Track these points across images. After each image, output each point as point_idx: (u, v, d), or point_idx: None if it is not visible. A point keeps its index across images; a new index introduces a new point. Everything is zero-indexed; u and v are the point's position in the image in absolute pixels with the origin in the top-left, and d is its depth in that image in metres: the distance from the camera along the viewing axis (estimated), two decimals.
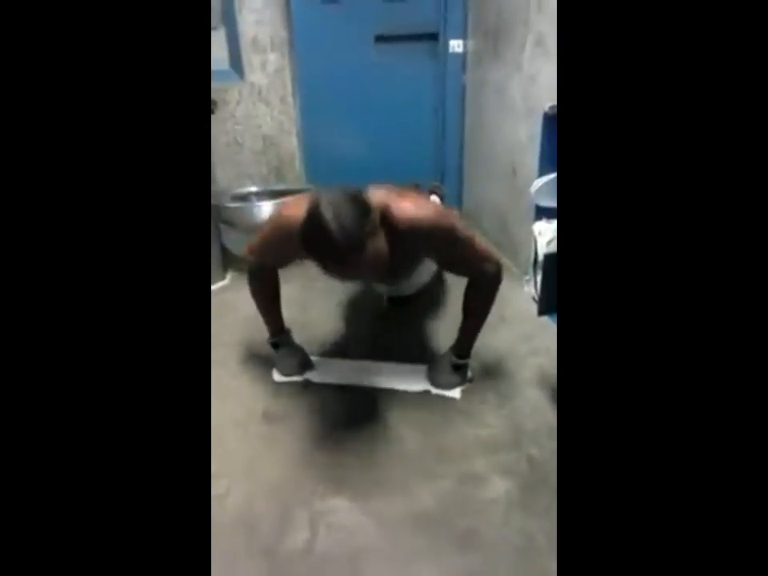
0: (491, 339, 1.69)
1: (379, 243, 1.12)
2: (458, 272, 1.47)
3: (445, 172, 2.92)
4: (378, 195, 1.24)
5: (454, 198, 2.83)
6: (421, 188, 2.56)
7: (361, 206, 1.09)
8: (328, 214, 1.04)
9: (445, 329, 1.78)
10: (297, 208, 1.21)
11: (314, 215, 1.07)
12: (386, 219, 1.19)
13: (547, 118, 1.55)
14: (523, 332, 1.82)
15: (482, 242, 1.47)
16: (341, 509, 1.19)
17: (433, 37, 2.66)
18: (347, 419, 1.48)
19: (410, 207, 1.25)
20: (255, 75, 2.65)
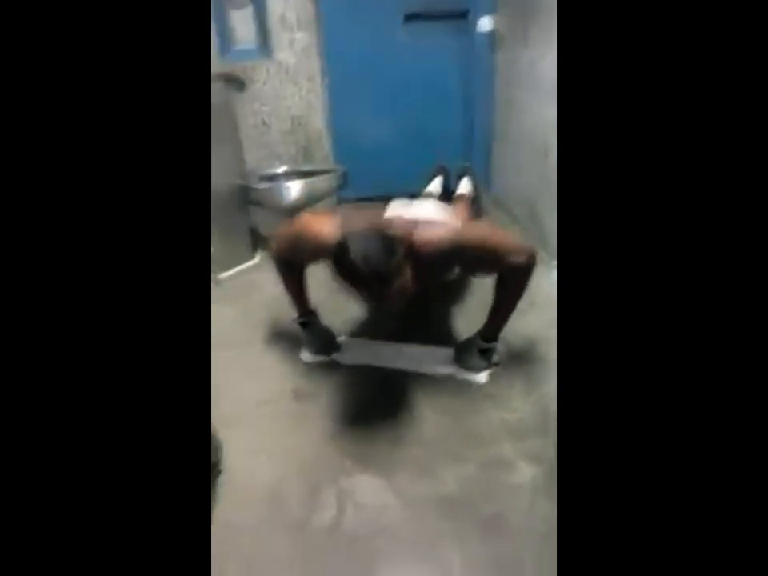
0: (520, 324, 1.67)
1: (405, 279, 1.20)
2: (490, 273, 1.45)
3: (473, 153, 2.88)
4: (400, 225, 1.31)
5: (483, 181, 2.79)
6: (449, 170, 2.54)
7: (387, 243, 1.16)
8: (358, 251, 1.12)
9: (472, 312, 1.77)
10: (324, 224, 1.32)
11: (343, 249, 1.15)
12: (411, 248, 1.23)
13: None
14: (552, 318, 1.79)
15: (509, 235, 1.46)
16: (367, 487, 1.21)
17: (462, 15, 2.60)
18: (374, 400, 1.49)
19: (431, 232, 1.31)
20: (283, 54, 2.63)
